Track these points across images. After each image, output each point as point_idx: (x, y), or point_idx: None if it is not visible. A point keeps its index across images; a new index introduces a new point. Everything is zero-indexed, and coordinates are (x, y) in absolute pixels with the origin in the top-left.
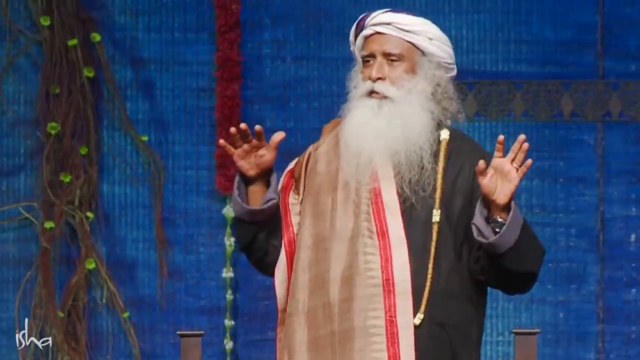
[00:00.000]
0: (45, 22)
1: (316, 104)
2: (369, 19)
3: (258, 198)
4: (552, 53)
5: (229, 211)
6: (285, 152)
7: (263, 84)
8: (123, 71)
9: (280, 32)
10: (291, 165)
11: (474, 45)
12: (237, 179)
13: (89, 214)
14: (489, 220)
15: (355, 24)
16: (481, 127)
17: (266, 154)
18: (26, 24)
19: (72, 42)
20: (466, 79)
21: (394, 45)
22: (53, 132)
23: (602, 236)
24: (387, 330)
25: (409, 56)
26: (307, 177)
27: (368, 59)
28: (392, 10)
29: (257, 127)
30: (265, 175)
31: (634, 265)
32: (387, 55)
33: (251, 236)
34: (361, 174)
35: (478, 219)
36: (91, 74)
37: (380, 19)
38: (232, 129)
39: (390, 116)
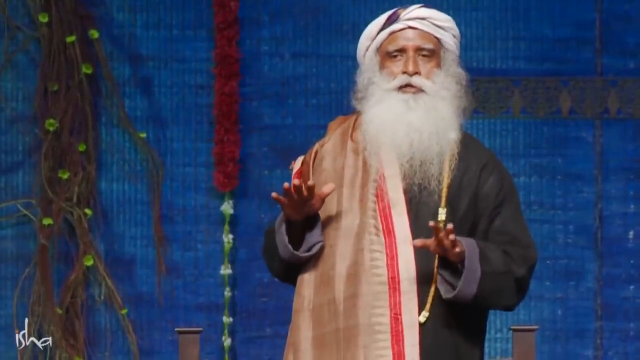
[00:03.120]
0: (43, 18)
1: (314, 101)
2: (403, 13)
3: (296, 232)
4: (551, 50)
5: (227, 208)
6: (283, 149)
7: (261, 81)
8: (121, 68)
9: (279, 29)
10: (298, 165)
11: (472, 43)
12: (282, 219)
13: (87, 211)
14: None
15: (384, 18)
16: (479, 124)
17: (315, 203)
18: (24, 21)
19: (70, 38)
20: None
21: (427, 40)
22: (51, 128)
23: (600, 233)
24: (392, 327)
25: (438, 52)
26: (314, 174)
27: (396, 53)
28: (425, 6)
29: (311, 183)
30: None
31: (632, 262)
32: (419, 50)
33: (292, 273)
34: (389, 169)
35: (443, 271)
36: (89, 71)
37: (416, 14)
38: (286, 185)
39: (426, 109)
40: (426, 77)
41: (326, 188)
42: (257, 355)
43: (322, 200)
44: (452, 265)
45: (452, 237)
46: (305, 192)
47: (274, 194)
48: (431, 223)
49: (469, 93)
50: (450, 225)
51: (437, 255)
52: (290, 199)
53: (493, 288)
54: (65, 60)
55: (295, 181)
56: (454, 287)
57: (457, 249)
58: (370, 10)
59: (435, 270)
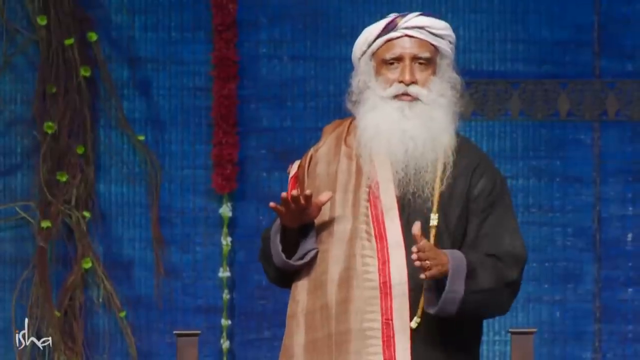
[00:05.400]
0: (41, 21)
1: (313, 104)
2: (401, 21)
3: (292, 239)
4: (549, 52)
5: (225, 210)
6: (282, 152)
7: (260, 84)
8: (120, 70)
9: (277, 31)
10: (294, 170)
11: (470, 45)
12: (277, 228)
13: (86, 213)
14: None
15: (382, 25)
16: (478, 127)
17: (312, 212)
18: (23, 24)
19: (69, 41)
20: (463, 79)
21: (424, 49)
22: (50, 131)
23: (598, 235)
24: (383, 333)
25: (434, 59)
26: (308, 179)
27: (392, 61)
28: (423, 14)
29: (308, 192)
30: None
31: (630, 264)
32: (416, 59)
33: (287, 280)
34: (382, 175)
35: (427, 283)
36: (88, 73)
37: (414, 23)
38: (284, 195)
39: (421, 118)
40: (422, 86)
41: (323, 197)
42: (255, 358)
43: (319, 209)
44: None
45: (421, 263)
46: (302, 201)
47: (271, 204)
48: (414, 229)
49: (464, 97)
50: (422, 243)
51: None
52: (287, 208)
53: (477, 306)
54: (64, 62)
55: (294, 192)
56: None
57: (429, 273)
58: (369, 12)
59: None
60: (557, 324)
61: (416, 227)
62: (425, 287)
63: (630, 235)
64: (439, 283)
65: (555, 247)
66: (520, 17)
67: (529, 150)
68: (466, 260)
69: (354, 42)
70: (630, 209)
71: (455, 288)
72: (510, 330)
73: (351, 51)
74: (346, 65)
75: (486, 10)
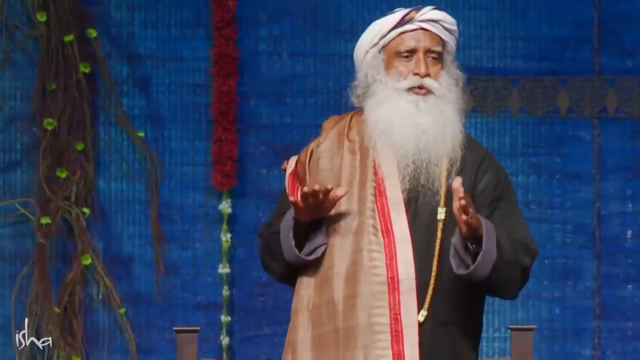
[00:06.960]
0: (41, 17)
1: (312, 100)
2: (417, 14)
3: (301, 233)
4: (549, 49)
5: (225, 207)
6: (281, 148)
7: (259, 80)
8: (119, 67)
9: (277, 28)
10: (292, 165)
11: (470, 41)
12: (288, 223)
13: (85, 210)
14: (466, 248)
15: (398, 17)
16: (477, 123)
17: (327, 206)
18: (22, 20)
19: (69, 37)
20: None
21: (436, 43)
22: (49, 127)
23: (598, 232)
24: (391, 328)
25: (442, 54)
26: (310, 174)
27: (407, 54)
28: (437, 8)
29: (329, 186)
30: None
31: (630, 261)
32: (429, 52)
33: (293, 276)
34: (388, 169)
35: (458, 245)
36: (87, 70)
37: (429, 16)
38: (306, 189)
39: (434, 112)
40: (434, 79)
41: (339, 191)
42: (255, 354)
43: (334, 204)
44: (465, 241)
45: (462, 202)
46: (321, 196)
47: (291, 198)
48: (455, 183)
49: (466, 93)
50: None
51: (439, 245)
52: (305, 203)
53: (502, 275)
54: (64, 59)
55: (316, 186)
56: (465, 264)
57: (470, 220)
58: (368, 9)
59: (436, 261)
60: (557, 321)
61: (457, 182)
62: (452, 253)
63: (629, 232)
64: (460, 252)
65: (555, 244)
66: (520, 13)
67: (528, 147)
68: (494, 227)
69: (354, 38)
70: (630, 205)
71: (490, 249)
72: (509, 326)
73: (351, 48)
74: (346, 62)
75: (486, 7)
